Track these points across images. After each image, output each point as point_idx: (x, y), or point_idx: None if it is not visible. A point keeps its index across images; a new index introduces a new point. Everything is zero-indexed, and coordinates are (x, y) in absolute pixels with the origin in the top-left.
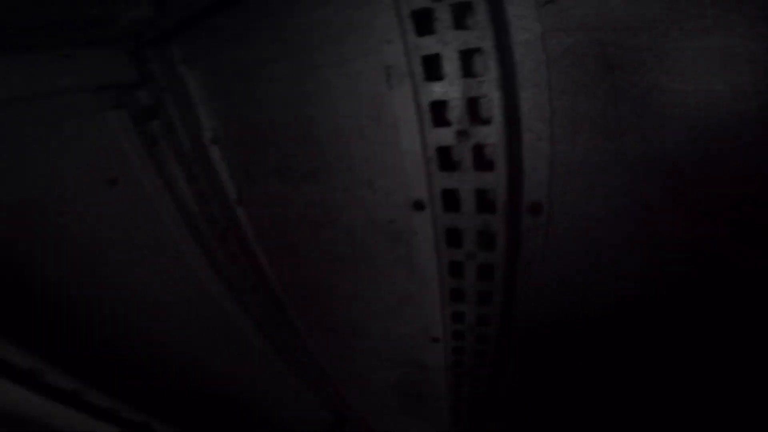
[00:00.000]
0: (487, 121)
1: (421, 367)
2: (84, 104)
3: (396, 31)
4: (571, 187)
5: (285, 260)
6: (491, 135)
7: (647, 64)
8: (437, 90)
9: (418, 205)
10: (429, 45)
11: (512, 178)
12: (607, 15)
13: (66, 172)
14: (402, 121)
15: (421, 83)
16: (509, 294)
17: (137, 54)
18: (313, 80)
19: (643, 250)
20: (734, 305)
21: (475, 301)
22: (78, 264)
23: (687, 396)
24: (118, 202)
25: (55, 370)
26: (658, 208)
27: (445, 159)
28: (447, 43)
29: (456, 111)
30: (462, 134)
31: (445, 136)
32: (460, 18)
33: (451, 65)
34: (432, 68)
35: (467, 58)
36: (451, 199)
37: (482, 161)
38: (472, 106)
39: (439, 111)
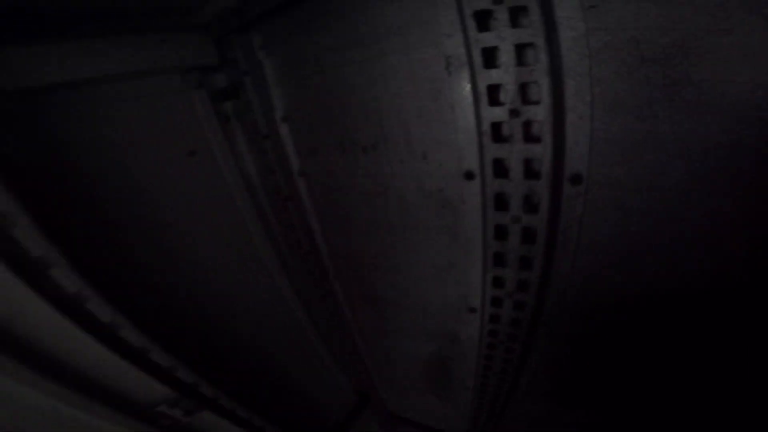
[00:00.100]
0: (536, 102)
1: (455, 341)
2: (173, 84)
3: (457, 27)
4: (608, 161)
5: (336, 229)
6: (539, 113)
7: (676, 58)
8: (493, 76)
9: (469, 175)
10: (488, 39)
11: (556, 151)
12: (641, 17)
13: (156, 142)
14: (459, 101)
15: (479, 70)
16: (548, 260)
17: (221, 40)
18: (379, 66)
19: (672, 223)
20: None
21: (516, 266)
22: (158, 222)
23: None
24: (195, 171)
25: (128, 326)
26: (687, 185)
27: (497, 133)
28: (504, 39)
29: (509, 93)
30: (514, 112)
31: (498, 113)
32: (516, 18)
33: (506, 56)
34: (489, 58)
35: (521, 50)
36: (500, 168)
37: (530, 135)
38: (524, 89)
39: (493, 93)
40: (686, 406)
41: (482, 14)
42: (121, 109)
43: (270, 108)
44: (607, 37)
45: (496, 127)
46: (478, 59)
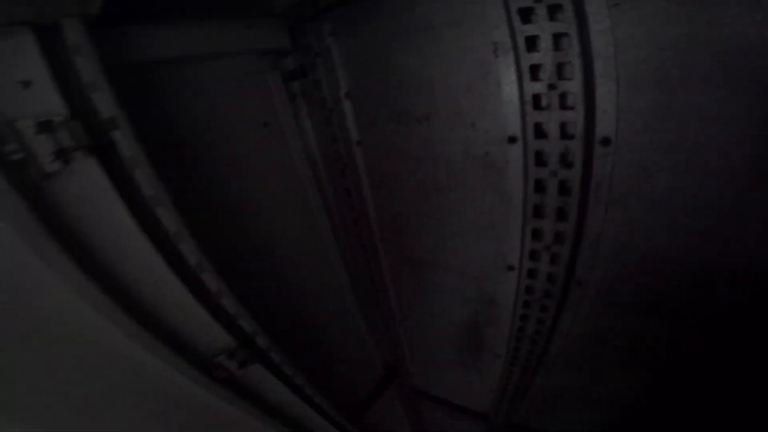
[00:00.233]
0: (570, 78)
1: (491, 303)
2: (252, 65)
3: (503, 20)
4: (633, 127)
5: (386, 193)
6: (573, 86)
7: (686, 45)
8: (535, 57)
9: (512, 139)
10: (530, 30)
11: (588, 117)
12: (657, 13)
13: (236, 114)
14: (504, 78)
15: (523, 54)
16: (582, 211)
17: (293, 28)
18: (434, 51)
19: (690, 180)
20: None
21: (553, 217)
22: (234, 180)
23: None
24: (267, 139)
25: (210, 270)
26: (701, 147)
27: (537, 103)
28: (543, 29)
29: (548, 71)
30: (551, 86)
31: (538, 87)
32: (553, 13)
33: (545, 43)
34: (531, 44)
35: (557, 38)
36: (539, 131)
37: (565, 105)
38: (560, 68)
39: (534, 71)
40: (738, 384)
41: (525, 10)
42: (209, 85)
43: (336, 86)
44: (629, 29)
45: (536, 98)
46: (522, 45)
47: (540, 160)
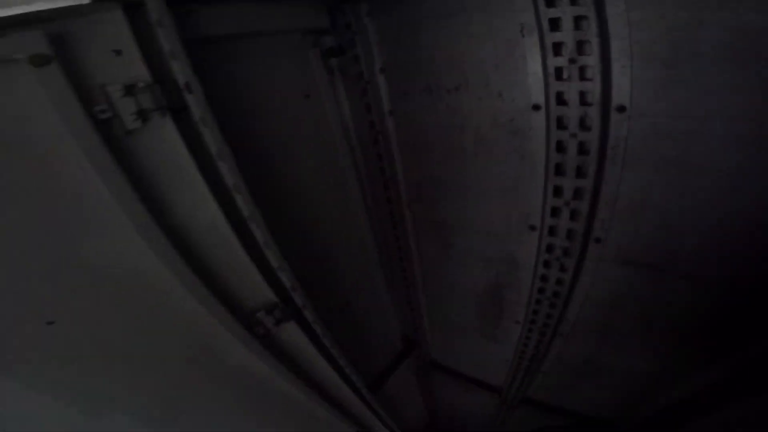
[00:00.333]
0: (589, 54)
1: (512, 265)
2: (295, 42)
3: (530, 4)
4: (646, 96)
5: (415, 159)
6: (591, 61)
7: (692, 27)
8: (557, 36)
9: (536, 107)
10: (553, 12)
11: (605, 88)
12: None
13: (282, 86)
14: (530, 54)
15: (547, 33)
16: (600, 170)
17: (334, 8)
18: (464, 30)
19: (697, 144)
20: None
21: (573, 175)
22: (279, 144)
23: None
24: (308, 110)
25: (260, 222)
26: (707, 112)
27: (559, 75)
28: (565, 12)
29: (569, 48)
30: (572, 60)
31: (560, 61)
32: None
33: (567, 24)
34: (554, 25)
35: (578, 20)
36: (560, 99)
37: (584, 76)
38: (580, 45)
39: (557, 48)
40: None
41: None
42: (259, 59)
43: (372, 61)
44: (642, 13)
45: (558, 70)
46: (546, 26)
47: (561, 124)
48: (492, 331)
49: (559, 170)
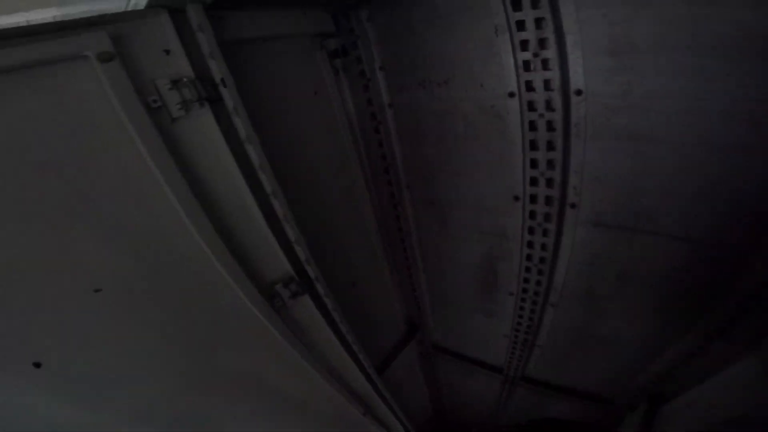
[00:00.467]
0: (549, 48)
1: (503, 236)
2: (305, 45)
3: (501, 9)
4: (599, 80)
5: (413, 145)
6: (550, 54)
7: (633, 21)
8: (523, 35)
9: (511, 95)
10: (519, 15)
11: (563, 76)
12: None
13: (294, 83)
14: (504, 50)
15: (515, 32)
16: (566, 143)
17: (338, 14)
18: (451, 32)
19: (643, 117)
20: None
21: (545, 149)
22: (290, 134)
23: None
24: (316, 105)
25: (281, 196)
26: (650, 90)
27: (527, 67)
28: (528, 15)
29: (533, 44)
30: (536, 54)
31: (527, 55)
32: (535, 3)
33: (530, 24)
34: (520, 25)
35: (538, 21)
36: (529, 87)
37: (547, 67)
38: (541, 42)
39: (523, 44)
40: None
41: (516, 1)
42: (274, 60)
43: (372, 60)
44: (588, 12)
45: (526, 63)
46: (514, 26)
47: (532, 107)
48: (489, 306)
49: (533, 145)
